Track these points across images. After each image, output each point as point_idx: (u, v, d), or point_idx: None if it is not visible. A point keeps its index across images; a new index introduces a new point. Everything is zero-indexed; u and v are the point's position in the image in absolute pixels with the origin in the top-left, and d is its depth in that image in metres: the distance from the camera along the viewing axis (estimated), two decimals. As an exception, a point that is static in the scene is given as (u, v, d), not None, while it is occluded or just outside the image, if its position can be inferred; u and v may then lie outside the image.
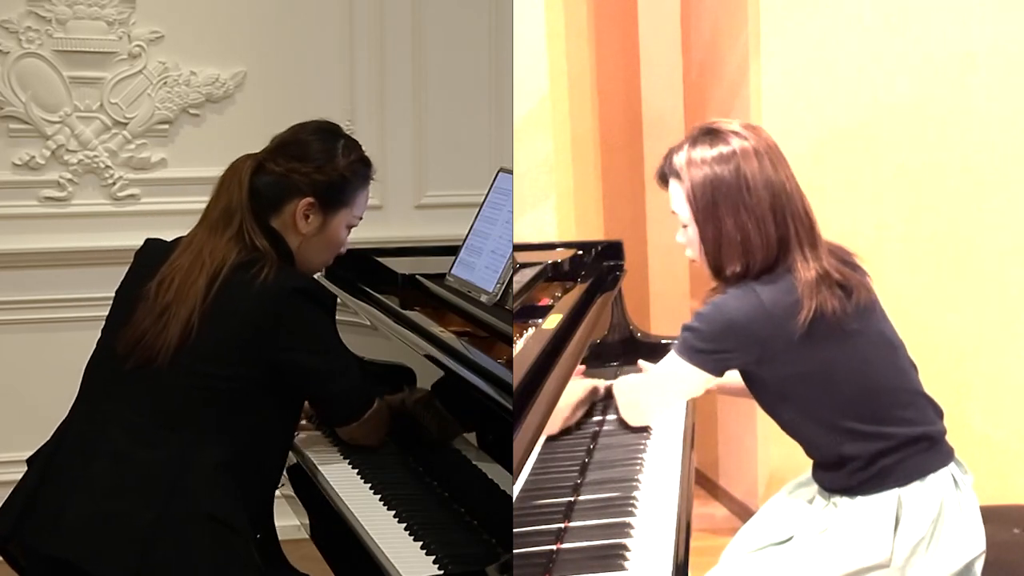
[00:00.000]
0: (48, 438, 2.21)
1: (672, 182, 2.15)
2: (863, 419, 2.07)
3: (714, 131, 2.11)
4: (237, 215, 2.18)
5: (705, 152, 2.08)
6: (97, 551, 2.01)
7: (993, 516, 2.17)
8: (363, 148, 2.33)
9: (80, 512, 2.04)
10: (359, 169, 2.29)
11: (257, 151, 2.28)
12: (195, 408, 2.09)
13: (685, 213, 2.12)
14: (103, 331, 2.23)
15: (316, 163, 2.24)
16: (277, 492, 2.46)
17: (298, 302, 2.12)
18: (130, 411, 2.11)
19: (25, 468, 2.21)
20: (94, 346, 2.24)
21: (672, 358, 2.13)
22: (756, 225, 2.05)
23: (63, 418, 2.23)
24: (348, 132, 2.36)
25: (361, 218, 2.33)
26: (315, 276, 2.23)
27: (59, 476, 2.11)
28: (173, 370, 2.09)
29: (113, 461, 2.07)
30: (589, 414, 2.46)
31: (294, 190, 2.22)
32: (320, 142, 2.27)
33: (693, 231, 2.12)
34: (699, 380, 2.13)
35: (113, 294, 2.27)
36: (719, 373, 2.13)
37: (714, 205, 2.07)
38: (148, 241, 2.31)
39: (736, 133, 2.10)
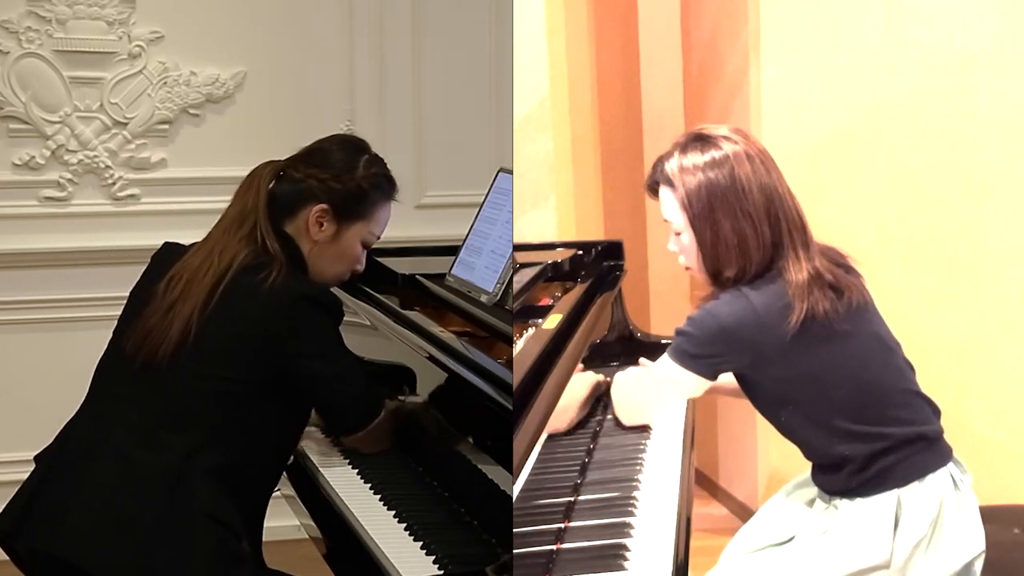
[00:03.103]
0: (53, 437, 2.21)
1: (664, 190, 2.15)
2: (859, 420, 2.07)
3: (704, 137, 2.11)
4: (251, 217, 2.19)
5: (697, 158, 2.08)
6: (98, 552, 2.01)
7: (993, 516, 2.17)
8: (388, 167, 2.32)
9: (82, 513, 2.04)
10: (379, 183, 2.29)
11: (279, 158, 2.29)
12: (199, 411, 2.09)
13: (679, 220, 2.12)
14: (114, 331, 2.23)
15: (334, 171, 2.24)
16: (276, 492, 2.46)
17: (306, 308, 2.12)
18: (135, 413, 2.10)
19: (25, 467, 2.21)
20: (100, 346, 2.24)
21: (666, 361, 2.14)
22: (753, 228, 2.05)
23: (64, 418, 2.22)
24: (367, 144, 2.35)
25: (379, 237, 2.33)
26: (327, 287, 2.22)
27: (62, 476, 2.11)
28: (176, 370, 2.09)
29: (116, 463, 2.07)
30: (591, 413, 2.46)
31: (310, 196, 2.23)
32: (342, 152, 2.28)
33: (688, 238, 2.12)
34: (693, 383, 2.13)
35: (113, 294, 2.27)
36: (712, 377, 2.13)
37: (710, 210, 2.06)
38: (166, 244, 2.31)
39: (726, 138, 2.10)
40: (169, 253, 2.27)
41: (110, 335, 2.24)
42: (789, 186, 2.11)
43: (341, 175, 2.24)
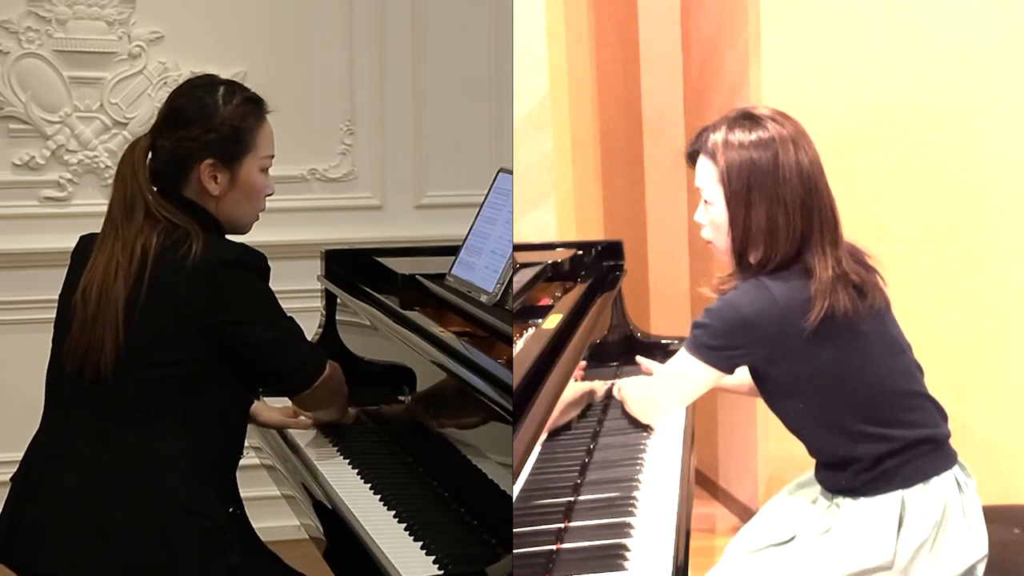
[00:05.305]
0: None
1: (703, 159, 2.13)
2: (869, 420, 2.07)
3: (752, 116, 2.10)
4: (139, 202, 2.12)
5: (743, 136, 2.07)
6: (81, 563, 2.01)
7: (993, 516, 2.17)
8: (247, 88, 2.25)
9: (59, 527, 2.04)
10: (247, 111, 2.21)
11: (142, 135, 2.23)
12: (153, 401, 2.06)
13: (713, 192, 2.11)
14: (53, 340, 2.19)
15: (200, 123, 2.16)
16: (275, 492, 2.46)
17: (230, 274, 2.08)
18: (91, 417, 2.08)
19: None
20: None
21: (682, 355, 2.13)
22: (785, 216, 2.04)
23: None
24: (239, 81, 2.29)
25: (273, 155, 2.25)
26: (258, 249, 2.16)
27: (34, 493, 2.10)
28: (123, 373, 2.06)
29: (81, 470, 2.06)
30: (585, 415, 2.46)
31: (190, 157, 2.16)
32: (198, 100, 2.19)
33: (718, 212, 2.10)
34: (709, 377, 2.12)
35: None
36: (729, 370, 2.12)
37: (748, 190, 2.05)
38: (81, 239, 2.26)
39: (773, 119, 2.09)
40: (86, 249, 2.20)
41: None
42: (828, 182, 2.10)
43: (209, 124, 2.16)
